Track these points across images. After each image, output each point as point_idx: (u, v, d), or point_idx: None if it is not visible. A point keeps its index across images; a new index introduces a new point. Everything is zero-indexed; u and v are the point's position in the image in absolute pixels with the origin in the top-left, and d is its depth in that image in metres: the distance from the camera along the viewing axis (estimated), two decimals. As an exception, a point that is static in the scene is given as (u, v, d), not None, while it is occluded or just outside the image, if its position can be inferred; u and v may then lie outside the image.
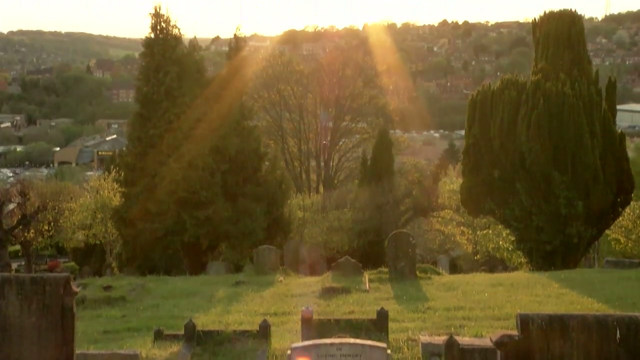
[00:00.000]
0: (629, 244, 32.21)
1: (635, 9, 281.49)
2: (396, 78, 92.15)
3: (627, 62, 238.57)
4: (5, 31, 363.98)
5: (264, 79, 61.90)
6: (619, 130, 26.93)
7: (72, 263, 45.98)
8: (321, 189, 59.72)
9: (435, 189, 43.75)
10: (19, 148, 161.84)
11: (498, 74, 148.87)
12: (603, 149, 25.51)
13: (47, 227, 38.78)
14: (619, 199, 26.18)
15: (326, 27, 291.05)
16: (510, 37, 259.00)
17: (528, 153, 25.09)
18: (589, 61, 26.97)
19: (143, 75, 30.51)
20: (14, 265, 40.98)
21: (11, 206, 39.26)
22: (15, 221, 38.05)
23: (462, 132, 32.35)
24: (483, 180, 26.45)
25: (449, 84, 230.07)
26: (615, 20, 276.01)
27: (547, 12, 27.08)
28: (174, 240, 29.42)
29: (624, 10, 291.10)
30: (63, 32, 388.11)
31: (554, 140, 24.90)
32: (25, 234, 38.22)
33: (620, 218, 28.97)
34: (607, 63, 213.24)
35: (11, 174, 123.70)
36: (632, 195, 26.91)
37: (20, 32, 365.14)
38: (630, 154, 32.78)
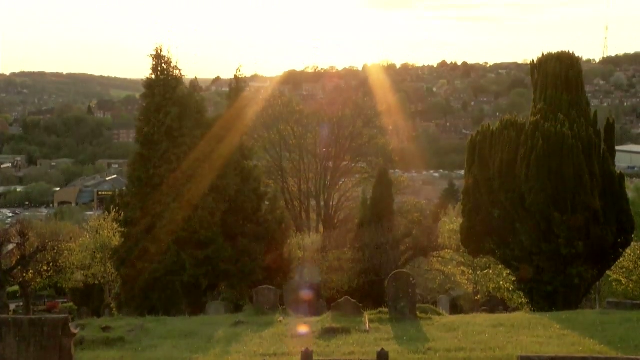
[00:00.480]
0: (630, 285, 32.05)
1: (632, 52, 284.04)
2: (396, 118, 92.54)
3: (625, 104, 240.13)
4: (7, 73, 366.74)
5: (264, 119, 62.14)
6: (618, 171, 26.96)
7: (71, 304, 45.75)
8: (321, 228, 59.59)
9: (435, 228, 43.66)
10: (19, 188, 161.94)
11: (497, 114, 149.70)
12: (602, 190, 25.53)
13: (46, 268, 38.64)
14: (619, 240, 26.11)
15: (326, 67, 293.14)
16: (508, 78, 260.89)
17: (528, 193, 25.09)
18: (587, 102, 27.10)
19: (144, 115, 30.66)
20: (12, 306, 40.76)
21: (10, 247, 39.19)
22: (14, 262, 37.93)
23: (462, 172, 32.40)
24: (483, 220, 26.41)
25: (448, 124, 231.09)
26: (612, 63, 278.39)
27: (545, 54, 27.28)
28: (174, 280, 29.30)
29: (621, 53, 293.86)
30: (65, 73, 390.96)
31: (554, 180, 24.91)
32: (24, 275, 38.07)
33: (621, 259, 28.85)
34: (605, 104, 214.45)
35: (11, 214, 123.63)
36: (633, 236, 26.84)
37: (23, 74, 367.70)
38: (630, 194, 32.76)
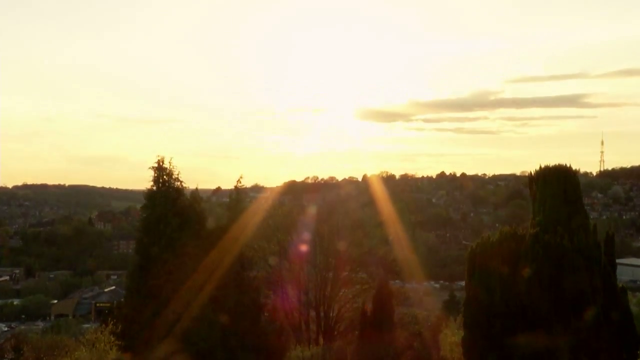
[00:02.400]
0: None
1: (628, 166, 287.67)
2: (396, 228, 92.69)
3: (624, 217, 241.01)
4: (10, 185, 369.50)
5: (265, 229, 62.16)
6: (620, 285, 26.79)
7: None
8: (321, 340, 58.68)
9: (436, 341, 43.00)
10: (16, 301, 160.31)
11: (496, 225, 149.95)
12: (605, 303, 25.30)
13: (40, 382, 37.90)
14: (624, 356, 25.68)
15: (326, 178, 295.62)
16: (507, 189, 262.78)
17: (529, 305, 24.88)
18: (586, 215, 27.20)
19: (144, 226, 30.73)
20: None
21: (5, 362, 38.55)
22: (8, 377, 37.25)
23: (462, 283, 32.23)
24: (484, 333, 26.08)
25: (448, 234, 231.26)
26: (610, 176, 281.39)
27: (543, 166, 27.57)
28: (170, 394, 28.66)
29: (617, 167, 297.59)
30: (67, 185, 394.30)
31: (555, 292, 24.74)
32: (18, 390, 37.31)
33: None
34: (604, 217, 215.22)
35: (6, 328, 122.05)
36: (637, 352, 26.41)
37: (25, 186, 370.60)
38: (633, 308, 32.43)
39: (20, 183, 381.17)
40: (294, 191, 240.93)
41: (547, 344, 24.73)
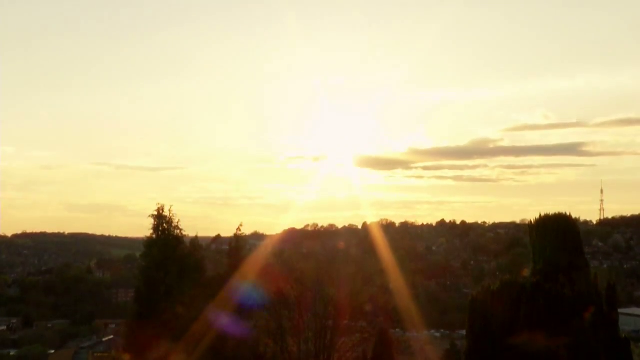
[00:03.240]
0: None
1: (628, 215, 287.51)
2: (396, 276, 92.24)
3: (625, 266, 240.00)
4: (10, 234, 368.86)
5: (264, 278, 61.91)
6: (623, 335, 26.56)
7: None
8: (321, 390, 57.97)
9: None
10: (12, 352, 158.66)
11: (497, 273, 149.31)
12: (608, 355, 25.05)
13: None
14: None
15: (326, 225, 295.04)
16: (507, 237, 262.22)
17: (531, 353, 24.64)
18: (586, 264, 27.10)
19: (143, 275, 30.60)
20: None
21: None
22: None
23: (464, 332, 31.95)
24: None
25: (448, 282, 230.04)
26: (609, 225, 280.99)
27: (543, 215, 27.55)
28: None
29: (617, 215, 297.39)
30: (66, 233, 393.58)
31: (557, 341, 24.53)
32: None
33: None
34: (605, 266, 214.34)
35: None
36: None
37: (25, 235, 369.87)
38: (637, 359, 32.11)
39: (19, 231, 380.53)
40: (294, 239, 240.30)
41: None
